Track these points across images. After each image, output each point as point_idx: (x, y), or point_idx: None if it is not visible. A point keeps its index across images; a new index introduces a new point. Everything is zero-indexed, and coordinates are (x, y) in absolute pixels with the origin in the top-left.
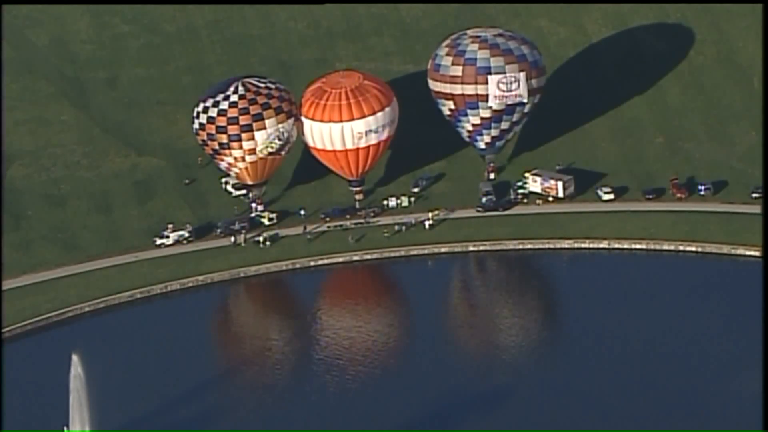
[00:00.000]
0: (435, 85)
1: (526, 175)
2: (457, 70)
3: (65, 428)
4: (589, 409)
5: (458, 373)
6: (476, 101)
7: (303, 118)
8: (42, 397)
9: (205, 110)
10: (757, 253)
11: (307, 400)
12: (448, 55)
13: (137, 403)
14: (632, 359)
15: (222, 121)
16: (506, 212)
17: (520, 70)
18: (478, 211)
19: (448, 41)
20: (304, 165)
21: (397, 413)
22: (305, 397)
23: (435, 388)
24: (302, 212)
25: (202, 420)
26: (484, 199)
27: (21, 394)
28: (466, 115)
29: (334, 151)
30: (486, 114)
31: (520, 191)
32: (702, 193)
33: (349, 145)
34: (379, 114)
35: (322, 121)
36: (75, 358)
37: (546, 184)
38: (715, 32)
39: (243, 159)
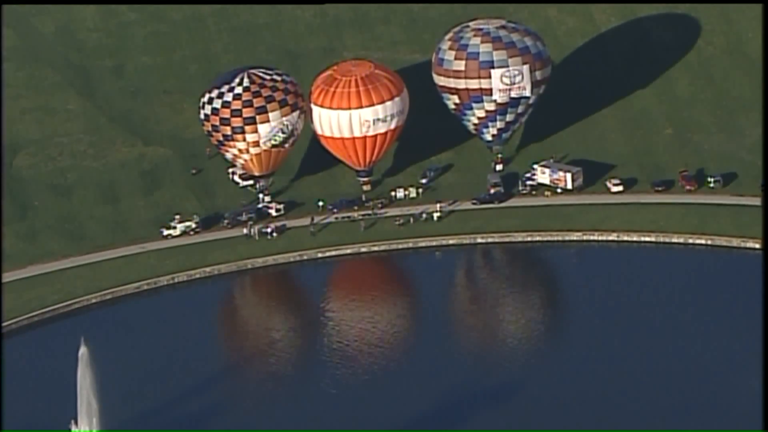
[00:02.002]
0: (439, 80)
1: (535, 166)
2: (460, 65)
3: (72, 422)
4: (592, 407)
5: (467, 365)
6: (480, 95)
7: (312, 105)
8: (49, 390)
9: (210, 101)
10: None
11: (317, 392)
12: (450, 49)
13: (145, 395)
14: (637, 355)
15: (226, 113)
16: (514, 204)
17: (524, 63)
18: (474, 203)
19: (450, 34)
20: (311, 156)
21: (405, 407)
22: (315, 388)
23: (444, 381)
24: (320, 203)
25: (211, 412)
26: (492, 191)
27: (27, 387)
28: (471, 108)
29: (342, 139)
30: (491, 107)
31: (529, 183)
32: (712, 185)
33: (357, 133)
34: (388, 103)
35: (331, 108)
36: (82, 350)
37: (554, 176)
38: (724, 22)
39: (247, 151)
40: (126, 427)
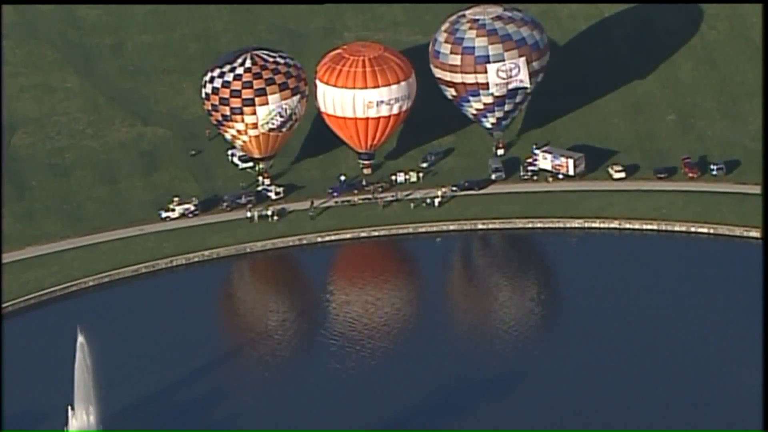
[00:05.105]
0: (436, 72)
1: (536, 151)
2: (456, 59)
3: (70, 408)
4: (590, 400)
5: (469, 351)
6: (477, 89)
7: (317, 82)
8: (45, 374)
9: (212, 80)
10: None
11: (322, 375)
12: (446, 42)
13: (143, 380)
14: (637, 347)
15: (225, 93)
16: (516, 190)
17: (520, 56)
18: (453, 191)
19: (446, 25)
20: (312, 139)
21: (410, 394)
22: (320, 372)
23: (447, 367)
24: (342, 178)
25: (211, 397)
26: (493, 176)
27: (24, 371)
28: (468, 101)
29: (344, 118)
30: (488, 100)
31: (530, 168)
32: (714, 173)
33: (360, 114)
34: (394, 86)
35: (335, 86)
36: (79, 333)
37: (556, 162)
38: (728, 7)
39: (245, 132)
40: (123, 413)
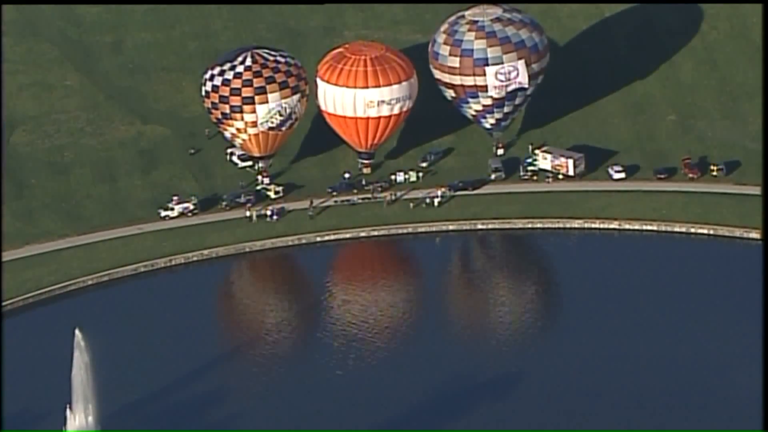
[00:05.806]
0: (435, 73)
1: (536, 151)
2: (455, 62)
3: (68, 407)
4: (589, 401)
5: (469, 351)
6: (476, 91)
7: (318, 80)
8: (43, 373)
9: (212, 78)
10: None
11: (323, 375)
12: (445, 44)
13: (142, 380)
14: (637, 348)
15: (225, 91)
16: (515, 190)
17: (519, 58)
18: (449, 190)
19: (445, 26)
20: (311, 138)
21: (411, 393)
22: (321, 371)
23: (443, 369)
24: (347, 175)
25: (210, 397)
26: (493, 176)
27: (22, 370)
28: (467, 102)
29: (345, 117)
30: (487, 102)
31: (530, 168)
32: (714, 173)
33: (360, 113)
34: (395, 86)
35: (336, 84)
36: (78, 333)
37: (556, 162)
38: (728, 7)
39: (245, 131)
40: (122, 413)
